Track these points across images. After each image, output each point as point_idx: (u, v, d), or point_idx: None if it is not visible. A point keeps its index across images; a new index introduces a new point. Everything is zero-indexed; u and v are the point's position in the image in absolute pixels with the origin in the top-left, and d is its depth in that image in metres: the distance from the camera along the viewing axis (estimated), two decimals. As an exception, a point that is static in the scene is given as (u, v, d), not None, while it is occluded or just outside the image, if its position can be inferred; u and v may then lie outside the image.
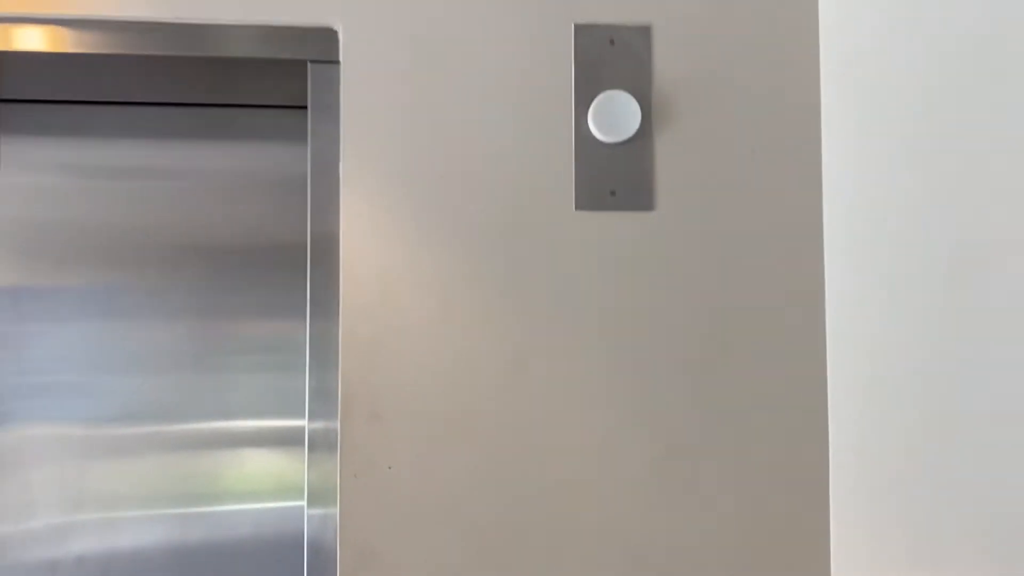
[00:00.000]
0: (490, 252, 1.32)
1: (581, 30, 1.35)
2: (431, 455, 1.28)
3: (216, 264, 1.53)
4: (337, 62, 1.33)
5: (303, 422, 1.33)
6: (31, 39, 1.33)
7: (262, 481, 1.55)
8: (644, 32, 1.36)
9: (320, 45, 1.33)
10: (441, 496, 1.28)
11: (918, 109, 1.16)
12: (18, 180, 1.52)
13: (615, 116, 1.33)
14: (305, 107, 1.36)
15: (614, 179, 1.34)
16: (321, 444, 1.31)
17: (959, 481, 1.09)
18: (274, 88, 1.44)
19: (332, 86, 1.33)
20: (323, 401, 1.31)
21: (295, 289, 1.45)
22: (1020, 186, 0.99)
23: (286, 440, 1.53)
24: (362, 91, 1.32)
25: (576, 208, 1.34)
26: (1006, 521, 1.00)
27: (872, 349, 1.27)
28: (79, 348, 1.52)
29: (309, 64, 1.33)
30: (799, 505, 1.34)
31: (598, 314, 1.33)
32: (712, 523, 1.32)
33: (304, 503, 1.31)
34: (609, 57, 1.35)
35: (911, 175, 1.17)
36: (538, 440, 1.30)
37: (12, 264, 1.51)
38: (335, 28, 1.33)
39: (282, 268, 1.53)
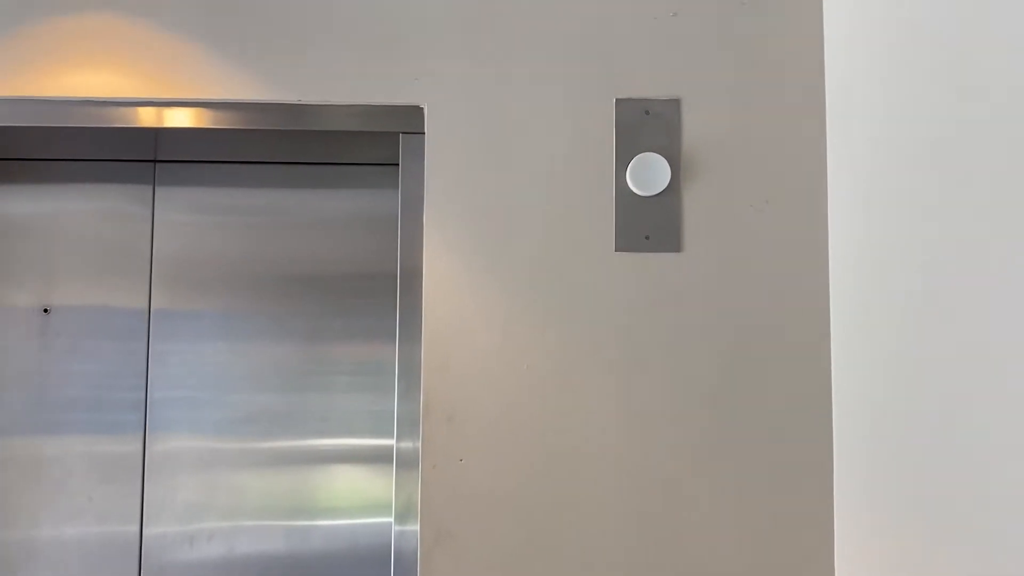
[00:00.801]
0: (544, 285, 1.61)
1: (621, 103, 1.64)
2: (494, 450, 1.58)
3: (322, 292, 1.85)
4: (423, 133, 1.65)
5: (392, 441, 1.63)
6: (179, 118, 1.68)
7: (358, 497, 1.81)
8: (675, 104, 1.63)
9: (409, 120, 1.65)
10: (503, 484, 1.57)
11: (915, 165, 1.37)
12: (169, 219, 1.87)
13: (649, 173, 1.60)
14: (397, 165, 1.68)
15: (648, 226, 1.62)
16: (408, 462, 1.60)
17: (961, 486, 1.28)
18: (372, 151, 1.77)
19: (419, 151, 1.65)
20: (410, 422, 1.60)
21: (387, 314, 1.75)
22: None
23: (378, 457, 1.79)
24: (442, 155, 1.64)
25: (616, 250, 1.61)
26: (1011, 528, 1.14)
27: (872, 363, 1.49)
28: (211, 366, 1.83)
29: (400, 135, 1.66)
30: (805, 505, 1.57)
31: (633, 337, 1.60)
32: (728, 514, 1.57)
33: (392, 519, 1.61)
34: (644, 125, 1.63)
35: (911, 225, 1.39)
36: (580, 441, 1.58)
37: (163, 290, 1.85)
38: (422, 107, 1.65)
39: (376, 295, 1.83)
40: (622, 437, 1.58)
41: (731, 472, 1.58)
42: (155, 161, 1.87)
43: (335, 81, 1.65)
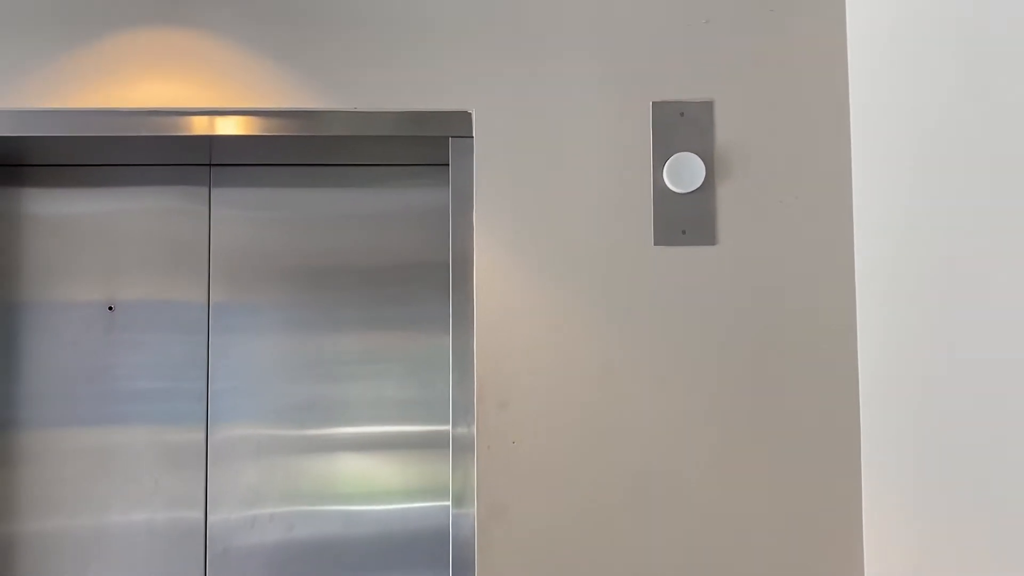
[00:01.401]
0: (587, 277, 1.72)
1: (658, 106, 1.74)
2: (544, 433, 1.69)
3: (375, 285, 1.93)
4: (471, 136, 1.76)
5: (446, 427, 1.74)
6: (231, 126, 1.78)
7: (413, 481, 1.90)
8: (708, 107, 1.74)
9: (458, 125, 1.76)
10: (552, 463, 1.69)
11: (935, 161, 1.47)
12: (224, 215, 1.95)
13: (685, 172, 1.71)
14: (447, 165, 1.78)
15: (684, 221, 1.73)
16: (464, 446, 1.70)
17: (976, 477, 1.41)
18: (424, 153, 1.86)
19: (468, 153, 1.76)
20: (464, 408, 1.71)
21: (437, 305, 1.84)
22: None
23: (433, 443, 1.88)
24: (490, 157, 1.74)
25: (655, 244, 1.72)
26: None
27: (896, 346, 1.60)
28: (268, 357, 1.93)
29: (450, 139, 1.77)
30: (834, 481, 1.69)
31: (672, 325, 1.71)
32: (762, 488, 1.69)
33: (449, 502, 1.72)
34: (680, 126, 1.74)
35: (932, 216, 1.50)
36: (623, 423, 1.69)
37: (221, 286, 1.94)
38: (470, 112, 1.76)
39: (427, 288, 1.90)
40: (662, 418, 1.70)
41: (765, 450, 1.69)
42: (210, 165, 1.97)
43: (387, 89, 1.75)
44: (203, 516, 1.89)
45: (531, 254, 1.73)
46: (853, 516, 1.68)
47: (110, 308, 1.94)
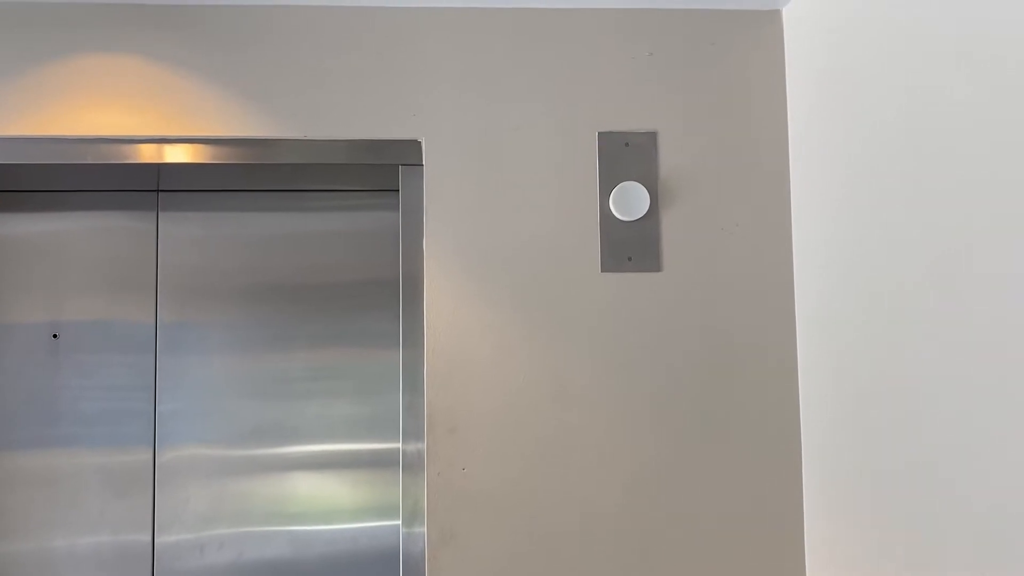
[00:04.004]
0: (536, 304, 1.75)
1: (603, 136, 1.78)
2: (494, 460, 1.71)
3: (324, 303, 1.94)
4: (421, 164, 1.78)
5: (398, 444, 1.75)
6: (179, 154, 1.78)
7: (364, 500, 1.91)
8: (651, 137, 1.78)
9: (408, 153, 1.78)
10: (501, 490, 1.70)
11: (870, 190, 1.53)
12: (172, 239, 1.95)
13: (630, 200, 1.75)
14: (397, 191, 1.80)
15: (630, 248, 1.76)
16: (414, 466, 1.71)
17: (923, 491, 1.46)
18: (375, 179, 1.88)
19: (417, 179, 1.78)
20: (414, 422, 1.72)
21: (386, 324, 1.86)
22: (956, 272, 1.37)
23: (385, 461, 1.89)
24: (440, 184, 1.77)
25: (601, 271, 1.76)
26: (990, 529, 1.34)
27: (834, 368, 1.65)
28: (217, 376, 1.92)
29: (400, 167, 1.79)
30: (773, 480, 1.73)
31: (619, 350, 1.74)
32: (708, 504, 1.72)
33: (400, 522, 1.72)
34: (625, 156, 1.78)
35: (865, 243, 1.55)
36: (573, 448, 1.72)
37: (169, 310, 1.93)
38: (419, 140, 1.78)
39: (376, 307, 1.92)
40: (610, 442, 1.72)
41: (710, 470, 1.73)
42: (158, 191, 1.96)
43: (337, 117, 1.77)
44: (151, 539, 1.87)
45: (480, 280, 1.75)
46: (795, 531, 1.72)
47: (55, 336, 1.92)
